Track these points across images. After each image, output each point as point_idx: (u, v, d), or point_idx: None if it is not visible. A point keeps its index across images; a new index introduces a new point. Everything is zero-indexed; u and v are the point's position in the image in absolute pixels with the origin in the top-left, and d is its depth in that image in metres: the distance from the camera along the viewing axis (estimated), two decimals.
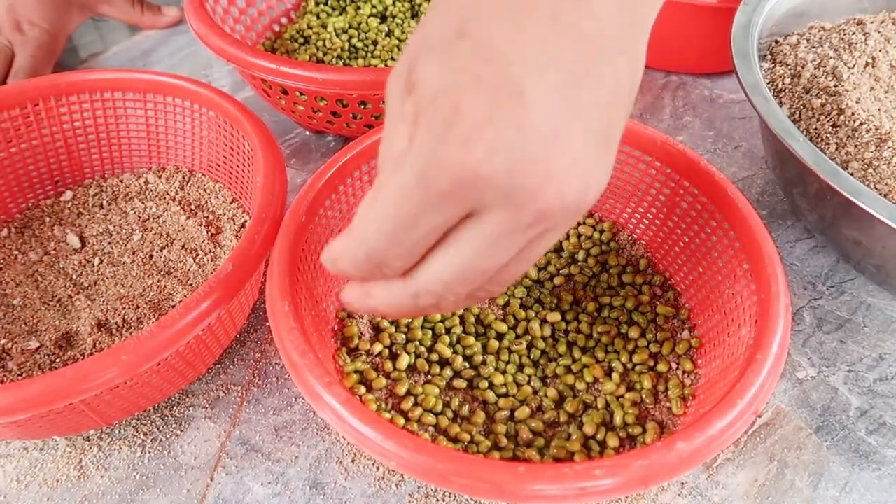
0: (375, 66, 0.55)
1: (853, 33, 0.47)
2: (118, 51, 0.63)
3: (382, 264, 0.24)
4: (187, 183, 0.46)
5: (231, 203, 0.44)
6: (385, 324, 0.38)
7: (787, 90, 0.44)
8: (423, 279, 0.24)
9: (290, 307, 0.30)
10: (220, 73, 0.60)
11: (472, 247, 0.23)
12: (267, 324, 0.41)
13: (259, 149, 0.38)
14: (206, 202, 0.45)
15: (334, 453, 0.36)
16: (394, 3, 0.59)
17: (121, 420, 0.36)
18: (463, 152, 0.20)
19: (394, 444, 0.26)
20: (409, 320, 0.38)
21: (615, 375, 0.36)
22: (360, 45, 0.56)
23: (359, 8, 0.59)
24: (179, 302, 0.38)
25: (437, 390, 0.35)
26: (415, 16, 0.59)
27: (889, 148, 0.39)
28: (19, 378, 0.35)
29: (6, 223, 0.44)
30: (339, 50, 0.55)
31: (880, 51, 0.46)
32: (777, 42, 0.48)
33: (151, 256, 0.41)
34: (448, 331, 0.38)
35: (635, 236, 0.43)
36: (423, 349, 0.37)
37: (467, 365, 0.37)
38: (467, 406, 0.35)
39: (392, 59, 0.55)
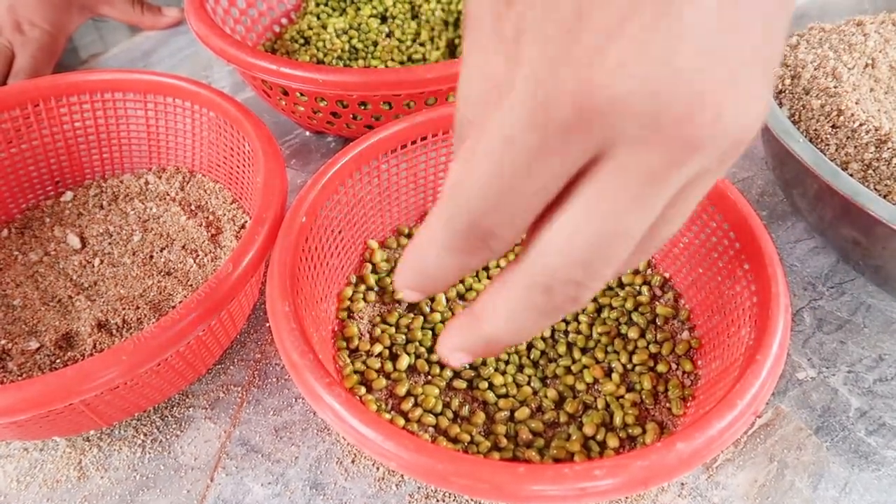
0: (376, 66, 0.55)
1: (853, 34, 0.47)
2: (118, 51, 0.64)
3: (489, 235, 0.18)
4: (187, 183, 0.46)
5: (231, 204, 0.44)
6: (384, 324, 0.38)
7: (786, 91, 0.44)
8: (551, 258, 0.18)
9: (290, 308, 0.30)
10: (220, 74, 0.61)
11: (612, 199, 0.17)
12: (267, 324, 0.41)
13: (259, 149, 0.38)
14: (207, 203, 0.45)
15: (334, 454, 0.36)
16: (394, 4, 0.59)
17: (121, 420, 0.36)
18: (591, 70, 0.15)
19: (394, 445, 0.26)
20: (409, 321, 0.38)
21: (615, 376, 0.36)
22: (360, 45, 0.56)
23: (359, 9, 0.59)
24: (179, 302, 0.39)
25: (437, 391, 0.35)
26: (415, 17, 0.59)
27: (889, 149, 0.39)
28: (19, 379, 0.35)
29: (6, 224, 0.44)
30: (339, 51, 0.55)
31: (880, 52, 0.46)
32: None
33: (152, 257, 0.42)
34: None
35: None
36: (423, 350, 0.37)
37: (467, 365, 0.37)
38: (467, 407, 0.35)
39: (392, 59, 0.55)
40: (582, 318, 0.39)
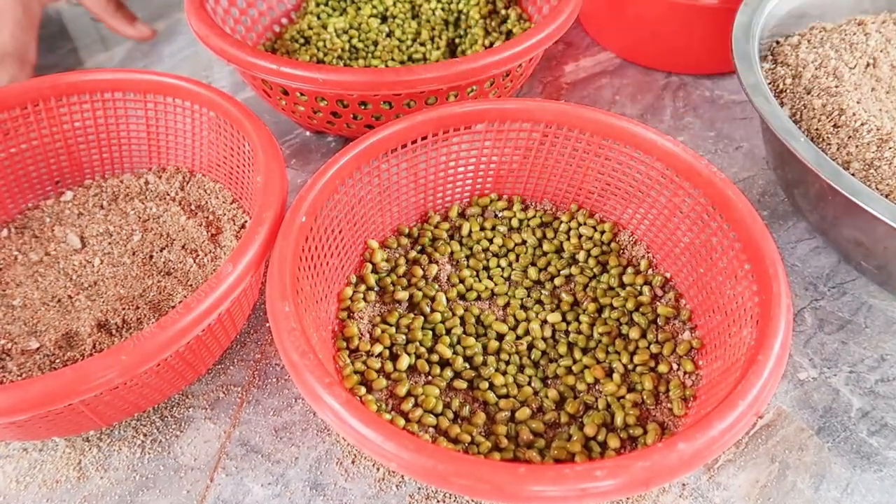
0: (376, 66, 0.55)
1: (854, 34, 0.47)
2: (118, 51, 0.63)
3: None
4: (187, 183, 0.46)
5: (231, 203, 0.44)
6: (384, 324, 0.38)
7: (787, 91, 0.44)
8: None
9: (290, 308, 0.30)
10: (220, 74, 0.60)
11: None
12: (267, 324, 0.41)
13: (259, 149, 0.38)
14: (207, 203, 0.45)
15: (334, 454, 0.36)
16: (394, 4, 0.59)
17: (120, 421, 0.36)
18: None
19: (394, 446, 0.26)
20: (410, 321, 0.38)
21: (616, 376, 0.36)
22: (360, 45, 0.56)
23: (359, 8, 0.59)
24: (179, 302, 0.38)
25: (437, 391, 0.35)
26: (415, 16, 0.59)
27: (890, 148, 0.39)
28: (19, 379, 0.35)
29: (6, 224, 0.44)
30: (339, 50, 0.55)
31: (881, 51, 0.46)
32: (778, 43, 0.48)
33: (151, 257, 0.41)
34: (448, 331, 0.38)
35: (636, 237, 0.43)
36: (423, 350, 0.37)
37: (468, 366, 0.37)
38: (468, 407, 0.35)
39: (392, 59, 0.55)
40: (583, 318, 0.39)
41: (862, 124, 0.40)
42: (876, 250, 0.39)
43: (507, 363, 0.37)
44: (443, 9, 0.58)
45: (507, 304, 0.40)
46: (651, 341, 0.38)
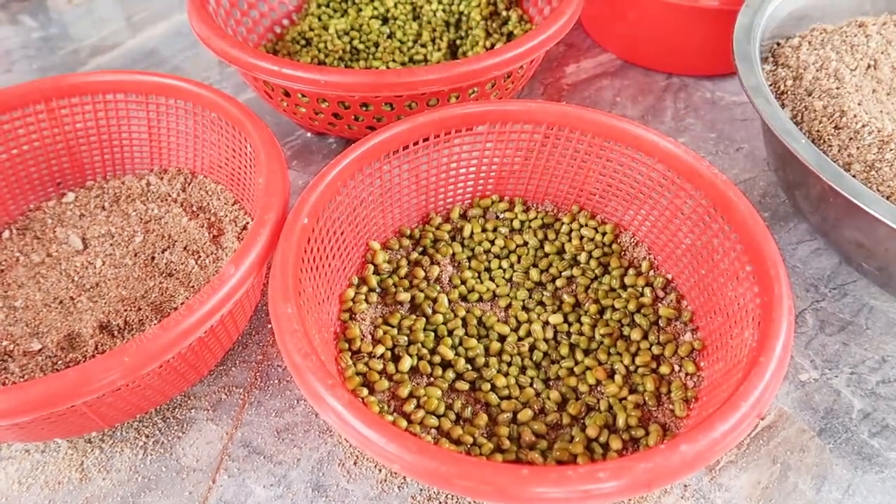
0: (377, 67, 0.55)
1: (855, 35, 0.47)
2: (120, 53, 0.63)
3: None
4: (189, 185, 0.46)
5: (233, 205, 0.44)
6: (386, 326, 0.38)
7: (788, 92, 0.44)
8: None
9: (293, 309, 0.30)
10: (221, 76, 0.60)
11: None
12: (269, 326, 0.41)
13: (261, 151, 0.38)
14: (208, 204, 0.45)
15: (336, 456, 0.36)
16: (395, 5, 0.59)
17: (122, 422, 0.36)
18: None
19: (397, 447, 0.26)
20: (412, 322, 0.38)
21: (618, 377, 0.36)
22: (361, 46, 0.56)
23: (360, 10, 0.59)
24: (181, 304, 0.39)
25: (439, 393, 0.35)
26: (416, 18, 0.59)
27: (891, 150, 0.39)
28: (21, 380, 0.35)
29: (8, 225, 0.44)
30: (340, 52, 0.55)
31: (882, 53, 0.46)
32: (779, 44, 0.48)
33: (153, 258, 0.41)
34: (450, 333, 0.38)
35: (637, 238, 0.43)
36: (425, 351, 0.37)
37: (469, 367, 0.37)
38: (470, 408, 0.35)
39: (393, 60, 0.55)
40: (585, 319, 0.39)
41: (863, 126, 0.40)
42: (877, 252, 0.39)
43: (509, 364, 0.37)
44: (444, 10, 0.58)
45: (509, 306, 0.40)
46: (652, 342, 0.38)
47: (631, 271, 0.41)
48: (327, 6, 0.60)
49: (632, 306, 0.39)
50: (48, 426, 0.32)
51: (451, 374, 0.36)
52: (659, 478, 0.25)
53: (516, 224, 0.44)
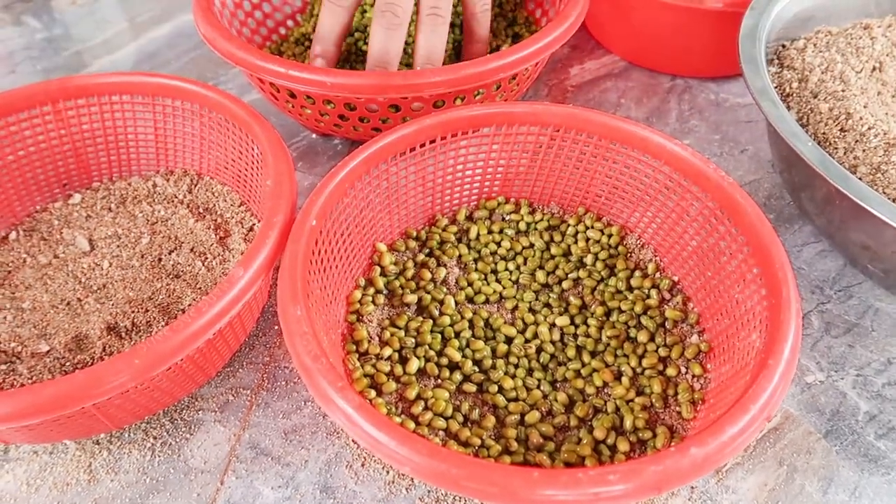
0: None
1: (860, 38, 0.47)
2: (124, 54, 0.63)
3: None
4: (195, 186, 0.46)
5: (239, 206, 0.44)
6: (393, 327, 0.38)
7: (794, 94, 0.44)
8: None
9: (302, 312, 0.30)
10: (226, 77, 0.61)
11: None
12: (276, 327, 0.41)
13: (269, 153, 0.38)
14: (215, 205, 0.45)
15: (344, 457, 0.36)
16: None
17: (131, 423, 0.36)
18: None
19: (407, 450, 0.26)
20: (419, 324, 0.38)
21: (624, 379, 0.36)
22: (365, 48, 0.56)
23: (365, 11, 0.59)
24: (189, 305, 0.39)
25: (447, 394, 0.35)
26: None
27: None
28: (30, 382, 0.35)
29: (15, 226, 0.44)
30: (345, 53, 0.55)
31: (887, 55, 0.46)
32: (784, 46, 0.49)
33: (160, 259, 0.41)
34: (457, 334, 0.38)
35: (643, 240, 0.43)
36: (432, 353, 0.37)
37: (477, 369, 0.37)
38: (477, 410, 0.35)
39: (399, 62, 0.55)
40: (591, 321, 0.39)
41: (869, 128, 0.40)
42: (883, 254, 0.39)
43: (516, 367, 0.37)
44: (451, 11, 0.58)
45: (516, 308, 0.40)
46: (659, 345, 0.38)
47: (637, 273, 0.41)
48: None
49: (638, 308, 0.39)
50: (57, 428, 0.32)
51: (458, 376, 0.37)
52: (669, 480, 0.26)
53: (522, 226, 0.44)
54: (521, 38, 0.57)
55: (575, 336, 0.39)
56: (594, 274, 0.41)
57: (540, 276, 0.41)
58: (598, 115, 0.41)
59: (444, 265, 0.42)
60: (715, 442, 0.26)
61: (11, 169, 0.43)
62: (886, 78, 0.45)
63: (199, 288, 0.40)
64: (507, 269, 0.42)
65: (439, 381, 0.36)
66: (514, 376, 0.37)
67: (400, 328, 0.38)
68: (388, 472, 0.35)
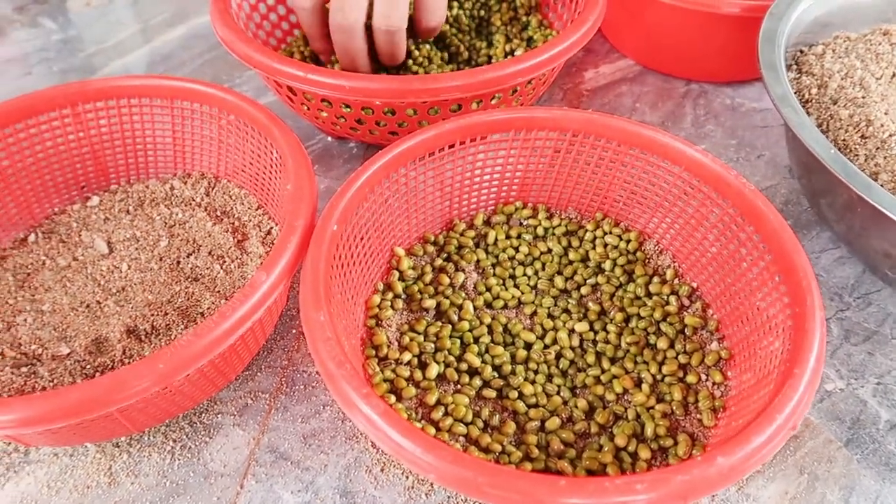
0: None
1: (879, 44, 0.47)
2: (139, 55, 0.64)
3: None
4: (212, 189, 0.46)
5: (257, 210, 0.44)
6: (412, 332, 0.38)
7: (813, 101, 0.44)
8: None
9: (325, 317, 0.30)
10: (241, 79, 0.61)
11: None
12: (294, 331, 0.41)
13: (289, 157, 0.38)
14: (232, 208, 0.45)
15: (363, 462, 0.36)
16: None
17: (151, 427, 0.36)
18: None
19: (433, 457, 0.26)
20: (438, 329, 0.38)
21: (645, 386, 0.36)
22: None
23: None
24: (207, 309, 0.39)
25: (467, 400, 0.35)
26: None
27: None
28: (51, 384, 0.35)
29: (34, 228, 0.44)
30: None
31: None
32: (802, 52, 0.48)
33: (178, 262, 0.42)
34: (476, 340, 0.38)
35: (661, 246, 0.43)
36: (451, 358, 0.37)
37: (496, 374, 0.37)
38: (497, 416, 0.35)
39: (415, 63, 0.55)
40: (610, 327, 0.39)
41: (890, 135, 0.40)
42: None
43: (536, 372, 0.37)
44: (465, 15, 0.58)
45: (534, 313, 0.40)
46: (679, 351, 0.38)
47: (655, 279, 0.41)
48: None
49: (657, 315, 0.39)
50: (80, 431, 0.32)
51: (477, 382, 0.36)
52: (695, 490, 0.25)
53: (540, 231, 0.44)
54: (534, 43, 0.57)
55: (594, 342, 0.39)
56: (612, 280, 0.41)
57: (558, 281, 0.41)
58: (618, 120, 0.40)
59: (463, 270, 0.42)
60: (741, 451, 0.26)
61: (31, 171, 0.43)
62: None
63: (218, 291, 0.40)
64: (525, 275, 0.42)
65: (459, 386, 0.36)
66: (533, 382, 0.37)
67: (419, 333, 0.38)
68: (407, 478, 0.35)
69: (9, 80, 0.61)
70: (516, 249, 0.43)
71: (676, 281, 0.41)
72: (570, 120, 0.41)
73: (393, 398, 0.35)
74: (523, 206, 0.45)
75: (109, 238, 0.43)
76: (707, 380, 0.37)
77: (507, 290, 0.41)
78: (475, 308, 0.40)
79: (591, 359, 0.38)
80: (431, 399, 0.35)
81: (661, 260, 0.42)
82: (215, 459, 0.36)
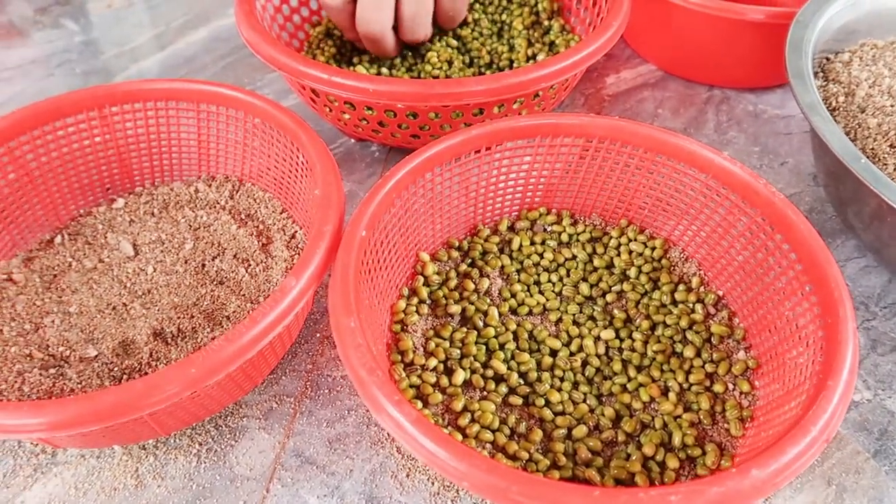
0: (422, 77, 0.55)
1: None
2: (160, 57, 0.64)
3: None
4: (237, 192, 0.46)
5: (281, 213, 0.44)
6: (438, 338, 0.38)
7: (840, 109, 0.44)
8: None
9: (355, 323, 0.30)
10: (262, 81, 0.61)
11: None
12: (318, 335, 0.41)
13: (317, 162, 0.38)
14: (256, 212, 0.45)
15: (389, 467, 0.36)
16: None
17: (179, 430, 0.37)
18: None
19: (466, 465, 0.26)
20: (463, 335, 0.38)
21: (672, 395, 0.36)
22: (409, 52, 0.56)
23: None
24: (233, 312, 0.39)
25: (493, 407, 0.35)
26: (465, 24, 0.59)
27: None
28: (79, 387, 0.35)
29: (59, 230, 0.44)
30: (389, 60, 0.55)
31: None
32: (828, 59, 0.48)
33: (203, 265, 0.42)
34: (502, 346, 0.38)
35: (687, 253, 0.42)
36: (477, 365, 0.37)
37: (522, 381, 0.37)
38: (524, 423, 0.35)
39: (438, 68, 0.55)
40: (636, 335, 0.39)
41: None
42: None
43: (562, 380, 0.37)
44: (487, 19, 0.58)
45: (560, 320, 0.40)
46: (706, 360, 0.38)
47: (681, 287, 0.41)
48: None
49: (683, 323, 0.39)
50: (109, 433, 0.32)
51: (503, 389, 0.36)
52: (729, 502, 0.25)
53: (564, 237, 0.44)
54: (556, 47, 0.57)
55: (620, 350, 0.39)
56: (638, 287, 0.41)
57: (583, 288, 0.41)
58: (644, 127, 0.40)
59: (487, 276, 0.41)
60: (776, 463, 0.26)
61: (57, 173, 0.43)
62: None
63: (243, 295, 0.40)
64: (549, 281, 0.42)
65: (485, 393, 0.36)
66: (560, 389, 0.37)
67: (444, 339, 0.38)
68: (433, 484, 0.35)
69: (32, 82, 0.61)
70: (541, 256, 0.43)
71: (702, 289, 0.41)
72: (597, 126, 0.41)
73: (419, 404, 0.35)
74: (547, 211, 0.45)
75: (135, 240, 0.43)
76: (734, 389, 0.36)
77: (531, 296, 0.41)
78: (500, 314, 0.40)
79: (617, 366, 0.37)
80: (458, 405, 0.35)
81: (686, 267, 0.42)
82: (241, 463, 0.36)
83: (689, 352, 0.38)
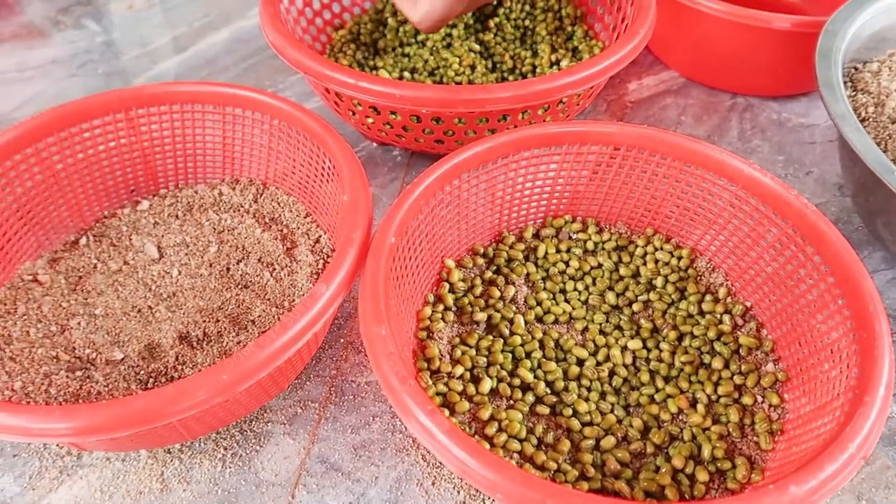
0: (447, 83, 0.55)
1: None
2: (182, 59, 0.64)
3: None
4: (261, 196, 0.46)
5: (305, 217, 0.44)
6: (464, 346, 0.38)
7: (870, 119, 0.44)
8: None
9: (386, 331, 0.30)
10: (284, 84, 0.61)
11: None
12: (341, 340, 0.41)
13: (344, 167, 0.38)
14: (280, 216, 0.45)
15: (414, 475, 0.36)
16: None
17: (205, 434, 0.36)
18: None
19: (500, 477, 0.26)
20: (489, 343, 0.38)
21: (700, 407, 0.36)
22: (431, 58, 0.56)
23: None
24: (258, 316, 0.39)
25: (520, 416, 0.35)
26: (485, 31, 0.59)
27: None
28: (106, 390, 0.35)
29: (84, 231, 0.44)
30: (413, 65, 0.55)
31: None
32: (856, 69, 0.48)
33: (228, 269, 0.42)
34: (528, 355, 0.38)
35: (714, 263, 0.42)
36: (504, 373, 0.37)
37: (549, 391, 0.37)
38: (552, 433, 0.35)
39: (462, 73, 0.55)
40: (664, 346, 0.38)
41: None
42: None
43: (589, 390, 0.37)
44: (511, 25, 0.58)
45: (586, 329, 0.40)
46: (734, 372, 0.37)
47: (708, 297, 0.41)
48: (394, 15, 0.60)
49: (711, 334, 0.39)
50: (137, 437, 0.32)
51: (530, 398, 0.36)
52: None
53: (590, 245, 0.44)
54: (579, 53, 0.57)
55: (647, 360, 0.38)
56: (664, 297, 0.41)
57: (610, 297, 0.41)
58: (673, 136, 0.40)
59: (513, 283, 0.41)
60: (815, 480, 0.26)
61: (83, 174, 0.43)
62: None
63: (268, 299, 0.40)
64: (575, 290, 0.42)
65: (512, 401, 0.36)
66: (587, 399, 0.36)
67: (471, 346, 0.38)
68: (458, 492, 0.35)
69: (54, 82, 0.61)
70: (566, 264, 0.43)
71: (729, 299, 0.41)
72: (625, 135, 0.41)
73: (446, 412, 0.35)
74: (573, 219, 0.45)
75: (159, 243, 0.43)
76: (763, 402, 0.36)
77: (557, 304, 0.41)
78: (526, 322, 0.40)
79: (644, 377, 0.37)
80: (485, 414, 0.35)
81: (713, 278, 0.41)
82: (266, 468, 0.36)
83: (717, 363, 0.37)
